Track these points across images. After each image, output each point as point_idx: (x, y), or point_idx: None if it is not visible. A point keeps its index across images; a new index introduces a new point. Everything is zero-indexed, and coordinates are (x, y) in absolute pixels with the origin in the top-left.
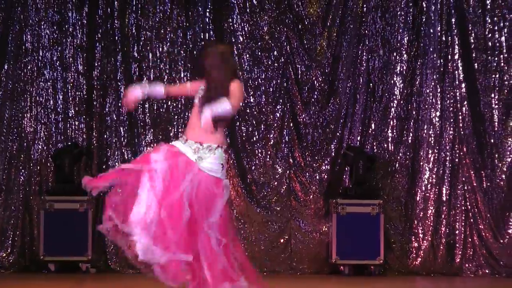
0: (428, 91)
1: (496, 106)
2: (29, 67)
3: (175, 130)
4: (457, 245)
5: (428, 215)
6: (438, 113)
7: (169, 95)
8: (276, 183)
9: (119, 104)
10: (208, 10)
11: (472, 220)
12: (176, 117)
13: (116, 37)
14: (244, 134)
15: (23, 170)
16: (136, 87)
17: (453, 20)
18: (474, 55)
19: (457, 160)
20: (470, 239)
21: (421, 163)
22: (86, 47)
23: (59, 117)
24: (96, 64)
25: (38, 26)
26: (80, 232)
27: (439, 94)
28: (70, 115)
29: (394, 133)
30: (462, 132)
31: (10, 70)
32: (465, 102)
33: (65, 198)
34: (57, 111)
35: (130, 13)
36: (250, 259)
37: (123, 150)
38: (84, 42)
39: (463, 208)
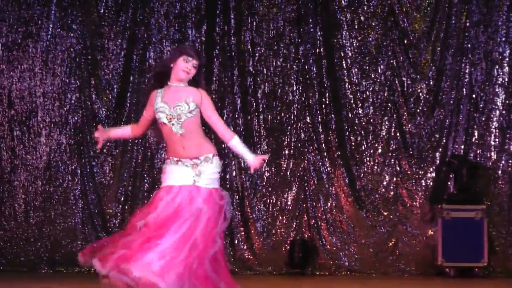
0: None
1: None
2: (152, 82)
3: (288, 139)
4: None
5: None
6: None
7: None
8: (383, 189)
9: (235, 115)
10: (318, 27)
11: None
12: (289, 127)
13: (233, 53)
14: (353, 144)
15: (147, 178)
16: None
17: None
18: None
19: None
20: None
21: None
22: (204, 62)
23: None
24: (214, 78)
25: (160, 44)
26: None
27: None
28: None
29: (497, 142)
30: None
31: (135, 85)
32: None
33: None
34: None
35: (245, 30)
36: (360, 261)
37: (240, 159)
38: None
39: None
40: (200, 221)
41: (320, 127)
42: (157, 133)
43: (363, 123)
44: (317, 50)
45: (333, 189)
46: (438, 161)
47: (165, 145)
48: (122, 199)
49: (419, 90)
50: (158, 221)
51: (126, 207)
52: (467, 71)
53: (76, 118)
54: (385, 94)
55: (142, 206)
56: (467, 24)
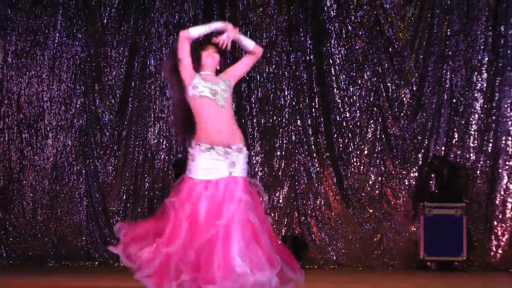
0: (506, 105)
1: None
2: (152, 87)
3: (280, 141)
4: None
5: (506, 217)
6: None
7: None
8: (369, 188)
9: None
10: (308, 36)
11: None
12: (280, 130)
13: (228, 60)
14: (341, 145)
15: (148, 178)
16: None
17: None
18: None
19: None
20: None
21: (500, 170)
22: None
23: None
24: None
25: (160, 51)
26: None
27: None
28: None
29: (475, 144)
30: None
31: (136, 90)
32: None
33: None
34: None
35: None
36: (347, 255)
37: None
38: None
39: None
40: (248, 211)
41: (310, 130)
42: (185, 121)
43: (350, 126)
44: (307, 58)
45: (322, 188)
46: (420, 162)
47: (196, 128)
48: (124, 197)
49: (403, 95)
50: (204, 221)
51: (128, 205)
52: (448, 77)
53: (81, 122)
54: (371, 99)
55: (171, 195)
56: (448, 33)
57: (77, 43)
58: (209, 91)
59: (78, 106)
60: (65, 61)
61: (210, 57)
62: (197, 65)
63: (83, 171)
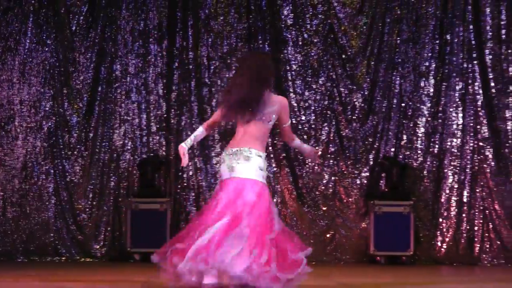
0: (451, 109)
1: (510, 123)
2: (118, 91)
3: None
4: (476, 239)
5: (451, 214)
6: (460, 128)
7: (208, 129)
8: (323, 187)
9: (192, 121)
10: (266, 43)
11: (488, 218)
12: None
13: (190, 66)
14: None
15: (113, 177)
16: (181, 145)
17: (472, 50)
18: (491, 77)
19: (476, 167)
20: (487, 234)
21: (445, 170)
22: (165, 74)
23: (143, 132)
24: (173, 88)
25: (126, 57)
26: (160, 228)
27: (460, 112)
28: (152, 131)
29: (423, 145)
30: (480, 144)
31: (103, 94)
32: (483, 119)
33: (148, 200)
34: (141, 127)
35: (202, 46)
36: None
37: (196, 160)
38: (164, 70)
39: (481, 208)
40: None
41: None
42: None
43: (306, 129)
44: None
45: (279, 186)
46: (371, 162)
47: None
48: (91, 196)
49: (355, 100)
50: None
51: (94, 203)
52: (397, 82)
53: (49, 124)
54: (325, 103)
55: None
56: (398, 41)
57: (46, 49)
58: None
59: (47, 109)
60: (35, 66)
61: None
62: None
63: (52, 170)
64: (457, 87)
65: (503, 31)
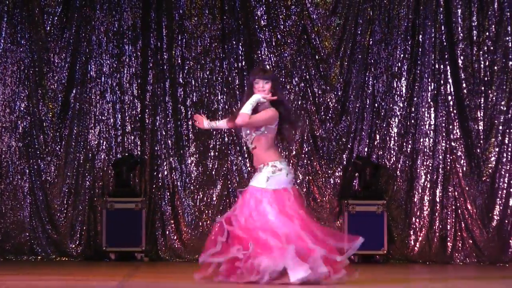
0: (423, 110)
1: (481, 123)
2: (93, 91)
3: (214, 142)
4: (448, 238)
5: (424, 213)
6: (432, 128)
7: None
8: (297, 186)
9: (167, 121)
10: (240, 44)
11: (461, 217)
12: (214, 132)
13: (165, 66)
14: None
15: (88, 177)
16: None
17: (444, 51)
18: (463, 78)
19: (448, 167)
20: (459, 233)
21: (418, 170)
22: (140, 75)
23: (118, 132)
24: (148, 88)
25: (100, 58)
26: (135, 227)
27: (433, 113)
28: (127, 130)
29: (396, 145)
30: (452, 144)
31: (78, 94)
32: (455, 119)
33: (123, 199)
34: (116, 127)
35: (176, 47)
36: None
37: (171, 160)
38: (138, 71)
39: (453, 207)
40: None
41: (242, 131)
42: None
43: None
44: (240, 64)
45: None
46: (345, 162)
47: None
48: (66, 195)
49: (328, 100)
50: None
51: (70, 202)
52: (370, 83)
53: (24, 124)
54: (299, 103)
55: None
56: (371, 42)
57: (21, 49)
58: None
59: (22, 108)
60: (10, 66)
61: (262, 91)
62: None
63: (27, 170)
64: (429, 88)
65: (474, 32)
